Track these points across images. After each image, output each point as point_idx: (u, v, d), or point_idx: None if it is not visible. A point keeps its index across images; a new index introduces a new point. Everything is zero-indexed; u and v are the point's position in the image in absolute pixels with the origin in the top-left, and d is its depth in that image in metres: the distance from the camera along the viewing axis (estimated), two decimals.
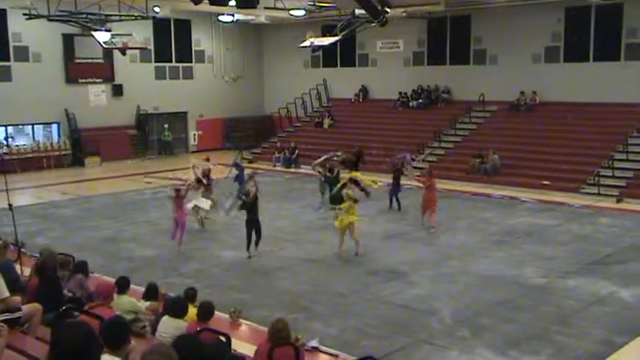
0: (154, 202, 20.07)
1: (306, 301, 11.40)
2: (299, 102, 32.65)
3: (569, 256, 14.07)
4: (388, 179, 19.42)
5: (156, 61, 31.38)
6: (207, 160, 18.07)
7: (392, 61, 30.73)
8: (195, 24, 32.51)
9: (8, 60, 26.97)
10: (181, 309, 7.58)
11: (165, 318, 7.52)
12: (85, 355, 3.65)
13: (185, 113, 33.02)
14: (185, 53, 32.56)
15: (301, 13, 27.19)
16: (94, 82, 29.46)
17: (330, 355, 8.96)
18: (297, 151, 27.97)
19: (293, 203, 19.90)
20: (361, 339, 9.72)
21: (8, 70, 26.96)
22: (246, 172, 19.05)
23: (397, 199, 18.87)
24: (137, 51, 27.60)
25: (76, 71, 28.73)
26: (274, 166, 27.84)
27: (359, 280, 12.55)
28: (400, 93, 30.16)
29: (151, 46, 30.29)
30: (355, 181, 15.74)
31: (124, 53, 24.75)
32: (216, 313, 7.93)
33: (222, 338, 6.79)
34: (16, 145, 27.58)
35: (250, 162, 28.75)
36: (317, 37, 25.06)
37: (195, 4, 18.57)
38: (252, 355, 6.82)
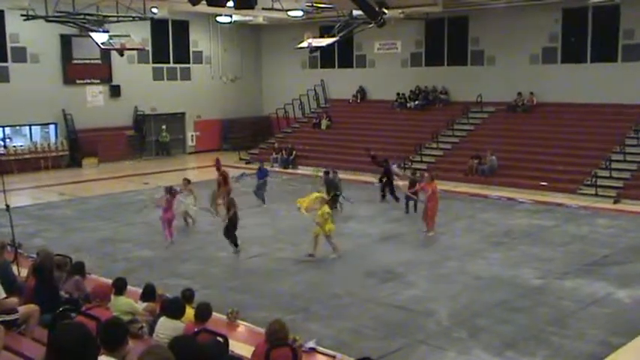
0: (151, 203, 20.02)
1: (303, 302, 11.41)
2: (297, 103, 32.65)
3: (566, 257, 14.09)
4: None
5: (153, 62, 31.36)
6: (188, 182, 17.72)
7: (390, 62, 30.75)
8: (193, 25, 32.50)
9: (6, 61, 26.93)
10: (179, 310, 7.58)
11: (163, 319, 7.52)
12: (82, 357, 3.64)
13: (183, 114, 33.00)
14: (183, 54, 32.55)
15: (299, 14, 27.20)
16: (92, 83, 29.44)
17: (328, 356, 8.97)
18: (294, 152, 27.97)
19: (291, 204, 19.85)
20: (358, 340, 9.73)
21: (6, 71, 26.91)
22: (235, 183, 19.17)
23: (392, 194, 18.97)
24: (135, 52, 27.55)
25: (73, 72, 28.70)
26: (272, 166, 27.81)
27: (356, 281, 12.55)
28: (398, 94, 30.17)
29: (149, 47, 30.26)
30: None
31: (121, 54, 24.71)
32: (214, 314, 7.92)
33: (220, 339, 6.78)
34: (14, 146, 27.55)
35: (248, 163, 28.77)
36: (315, 37, 25.07)
37: (193, 4, 18.53)
38: (249, 356, 6.82)
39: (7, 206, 12.23)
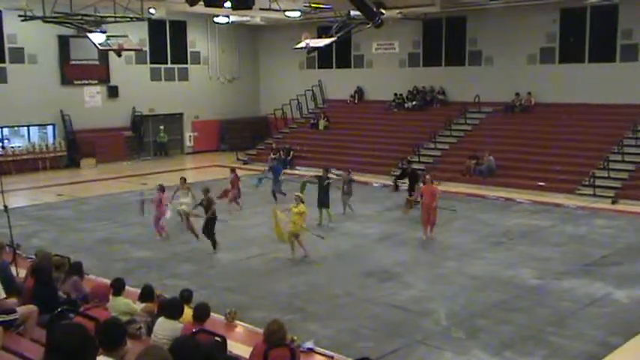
0: (149, 204, 19.98)
1: (301, 302, 11.41)
2: (294, 103, 32.64)
3: (564, 257, 14.10)
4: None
5: (151, 63, 31.34)
6: (185, 180, 17.92)
7: (387, 63, 30.77)
8: (191, 25, 32.49)
9: (3, 62, 26.90)
10: (177, 310, 7.57)
11: (161, 319, 7.51)
12: (80, 357, 3.64)
13: (180, 115, 32.98)
14: (180, 55, 32.53)
15: (297, 14, 27.19)
16: (90, 84, 29.41)
17: (326, 356, 8.97)
18: (292, 153, 27.96)
19: (288, 205, 19.84)
20: (357, 340, 9.73)
21: (3, 72, 26.88)
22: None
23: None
24: (132, 52, 27.52)
25: (71, 73, 28.67)
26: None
27: (354, 281, 12.55)
28: (395, 94, 30.19)
29: (147, 48, 30.26)
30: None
31: (119, 55, 24.69)
32: (212, 314, 7.92)
33: (218, 339, 6.78)
34: (12, 147, 27.50)
35: (245, 163, 28.77)
36: (312, 38, 25.04)
37: (191, 5, 18.49)
38: (247, 356, 6.82)
39: (6, 207, 12.22)
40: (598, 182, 20.72)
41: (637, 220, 17.60)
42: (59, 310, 6.72)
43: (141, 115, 31.00)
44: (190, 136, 33.44)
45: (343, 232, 16.58)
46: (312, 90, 32.88)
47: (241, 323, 10.08)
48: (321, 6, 25.76)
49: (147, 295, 9.22)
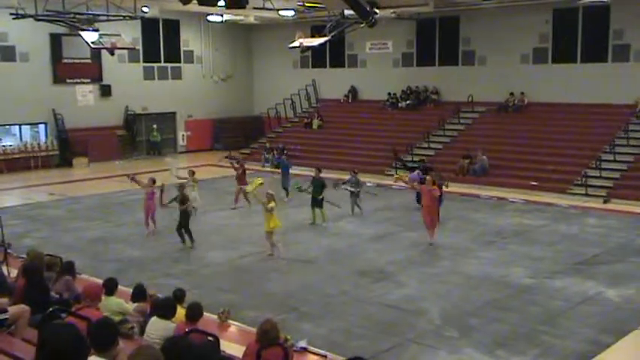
0: (141, 203, 19.93)
1: (294, 301, 11.40)
2: (288, 102, 32.63)
3: (556, 256, 14.15)
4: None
5: (144, 62, 31.26)
6: (193, 173, 18.20)
7: (381, 62, 30.79)
8: (184, 24, 32.42)
9: None
10: (170, 310, 7.56)
11: (154, 319, 7.49)
12: (72, 357, 3.63)
13: (174, 113, 32.91)
14: (174, 53, 32.46)
15: (290, 13, 27.18)
16: (82, 83, 29.30)
17: (319, 355, 8.97)
18: (286, 152, 27.92)
19: (282, 204, 19.86)
20: (350, 339, 9.74)
21: None
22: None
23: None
24: (125, 51, 27.44)
25: (63, 71, 28.56)
26: (263, 166, 27.79)
27: (348, 280, 12.56)
28: (389, 94, 30.22)
29: (140, 46, 30.17)
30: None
31: (112, 53, 24.60)
32: (205, 314, 7.91)
33: (211, 339, 6.77)
34: (3, 146, 27.37)
35: (238, 162, 28.67)
36: (306, 37, 25.04)
37: (184, 4, 18.51)
38: (240, 356, 6.81)
39: None
40: (590, 182, 20.81)
41: (628, 220, 17.68)
42: (51, 310, 6.69)
43: (134, 114, 30.91)
44: (183, 135, 33.38)
45: (337, 231, 16.59)
46: (306, 89, 32.87)
47: (234, 323, 10.08)
48: (315, 5, 25.74)
49: (139, 294, 9.20)
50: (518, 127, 25.08)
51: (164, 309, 7.54)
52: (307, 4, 25.91)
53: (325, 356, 8.93)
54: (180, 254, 14.54)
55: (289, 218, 17.95)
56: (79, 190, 23.12)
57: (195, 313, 7.46)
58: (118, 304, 8.33)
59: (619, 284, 12.11)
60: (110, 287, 8.42)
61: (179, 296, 8.64)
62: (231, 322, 10.07)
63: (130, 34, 27.94)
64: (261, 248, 14.59)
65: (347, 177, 18.60)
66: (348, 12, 21.91)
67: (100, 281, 9.13)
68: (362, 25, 21.36)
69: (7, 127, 27.98)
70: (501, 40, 26.81)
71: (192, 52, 33.19)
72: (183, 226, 14.86)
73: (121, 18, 23.08)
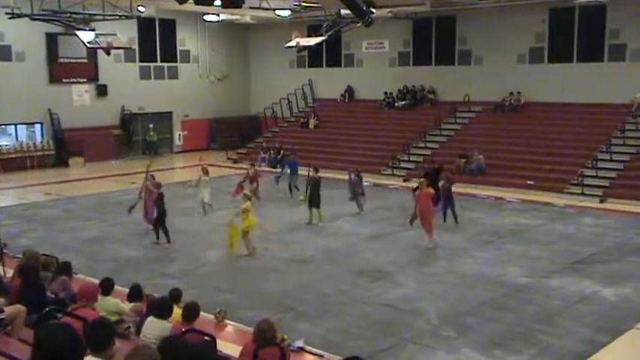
0: (138, 203, 19.91)
1: (292, 301, 11.39)
2: (285, 102, 32.60)
3: (553, 255, 14.17)
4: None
5: (140, 61, 31.20)
6: (207, 170, 18.51)
7: (377, 62, 30.79)
8: (180, 24, 32.36)
9: None
10: (166, 310, 7.54)
11: (150, 319, 7.47)
12: (68, 357, 3.61)
13: (170, 113, 32.86)
14: (170, 53, 32.41)
15: (287, 13, 27.15)
16: (78, 82, 29.23)
17: (316, 355, 8.96)
18: (282, 152, 27.91)
19: (278, 203, 19.87)
20: (347, 339, 9.73)
21: None
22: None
23: (452, 211, 16.80)
24: (121, 51, 27.40)
25: (59, 71, 28.49)
26: (260, 166, 27.74)
27: (345, 280, 12.55)
28: (386, 93, 30.22)
29: (136, 46, 30.10)
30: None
31: (108, 53, 24.58)
32: (202, 313, 7.89)
33: (208, 339, 6.75)
34: None
35: (235, 162, 28.72)
36: (303, 37, 25.05)
37: (180, 3, 18.47)
38: (237, 355, 6.79)
39: None
40: (586, 181, 20.83)
41: (625, 219, 17.72)
42: (47, 310, 6.67)
43: (130, 114, 30.85)
44: (180, 135, 33.33)
45: (334, 231, 16.58)
46: (303, 89, 32.86)
47: (231, 322, 10.06)
48: (312, 5, 25.73)
49: (135, 294, 9.18)
50: (514, 127, 25.10)
51: (160, 309, 7.52)
52: (304, 4, 25.89)
53: (322, 356, 8.92)
54: (176, 254, 14.52)
55: (286, 218, 17.97)
56: (75, 189, 23.07)
57: (191, 312, 7.44)
58: (114, 304, 8.30)
59: (615, 283, 12.13)
60: (106, 287, 8.39)
61: (175, 296, 8.63)
62: (227, 321, 10.05)
63: (126, 34, 27.93)
64: (258, 248, 14.57)
65: (351, 177, 18.40)
66: (344, 11, 21.94)
67: (96, 281, 9.10)
68: (358, 25, 21.34)
69: (3, 126, 27.89)
70: (498, 39, 26.84)
71: (188, 51, 33.14)
72: (161, 223, 15.06)
73: (117, 17, 23.04)
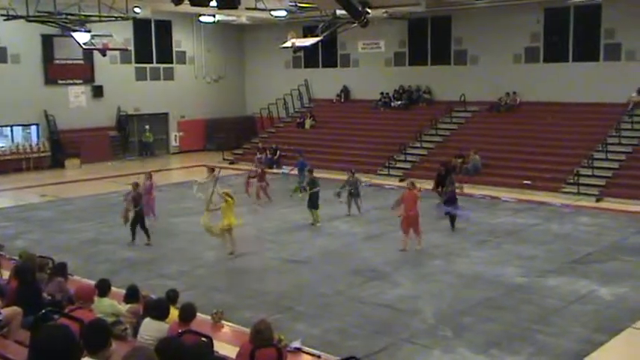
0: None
1: (288, 301, 11.39)
2: (280, 102, 32.60)
3: (549, 255, 14.19)
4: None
5: (136, 62, 31.17)
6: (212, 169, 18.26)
7: (373, 62, 30.80)
8: (176, 25, 32.34)
9: None
10: (163, 311, 7.53)
11: (147, 320, 7.46)
12: (65, 359, 3.61)
13: (166, 114, 32.83)
14: (166, 54, 32.38)
15: (282, 13, 27.15)
16: (74, 84, 29.20)
17: (313, 355, 8.96)
18: (278, 152, 27.91)
19: (275, 204, 19.87)
20: (344, 339, 9.73)
21: None
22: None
23: (450, 215, 16.42)
24: (117, 52, 27.36)
25: (55, 72, 28.45)
26: (256, 166, 27.67)
27: (342, 280, 12.56)
28: (382, 93, 30.24)
29: (132, 47, 30.07)
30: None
31: (104, 54, 24.55)
32: (198, 314, 7.88)
33: (204, 340, 6.75)
34: None
35: (231, 163, 28.69)
36: (298, 37, 25.03)
37: (176, 4, 18.47)
38: (234, 356, 6.79)
39: None
40: (582, 180, 20.88)
41: (621, 218, 17.76)
42: (43, 311, 6.67)
43: (126, 115, 30.82)
44: (176, 136, 33.30)
45: (331, 231, 16.59)
46: (299, 89, 32.86)
47: (228, 323, 10.05)
48: (307, 5, 25.73)
49: (132, 295, 9.15)
50: (510, 127, 25.15)
51: (157, 310, 7.51)
52: (299, 5, 25.90)
53: (319, 356, 8.92)
54: (173, 254, 14.50)
55: (283, 219, 17.96)
56: (72, 191, 23.03)
57: (188, 313, 7.43)
58: (110, 306, 8.29)
59: (612, 283, 12.15)
60: (103, 288, 8.37)
61: (172, 297, 8.61)
62: (224, 322, 10.04)
63: (122, 35, 27.86)
64: (255, 249, 14.57)
65: (345, 178, 18.45)
66: (340, 12, 21.92)
67: (93, 282, 9.09)
68: (354, 25, 21.36)
69: None
70: (493, 39, 26.88)
71: (184, 52, 33.12)
72: (140, 223, 15.15)
73: (113, 19, 23.01)
